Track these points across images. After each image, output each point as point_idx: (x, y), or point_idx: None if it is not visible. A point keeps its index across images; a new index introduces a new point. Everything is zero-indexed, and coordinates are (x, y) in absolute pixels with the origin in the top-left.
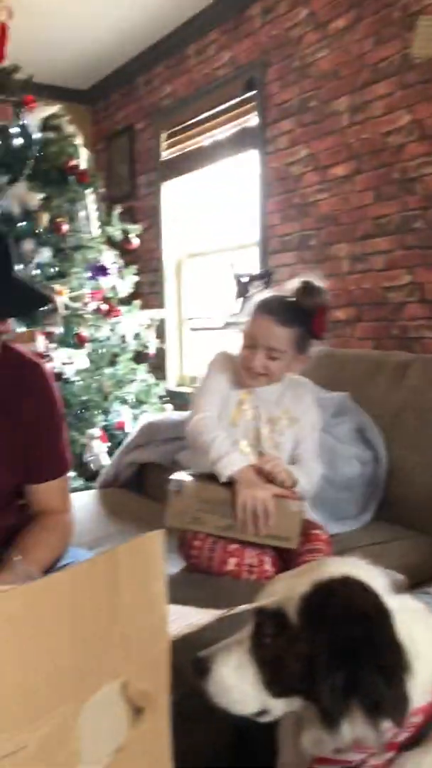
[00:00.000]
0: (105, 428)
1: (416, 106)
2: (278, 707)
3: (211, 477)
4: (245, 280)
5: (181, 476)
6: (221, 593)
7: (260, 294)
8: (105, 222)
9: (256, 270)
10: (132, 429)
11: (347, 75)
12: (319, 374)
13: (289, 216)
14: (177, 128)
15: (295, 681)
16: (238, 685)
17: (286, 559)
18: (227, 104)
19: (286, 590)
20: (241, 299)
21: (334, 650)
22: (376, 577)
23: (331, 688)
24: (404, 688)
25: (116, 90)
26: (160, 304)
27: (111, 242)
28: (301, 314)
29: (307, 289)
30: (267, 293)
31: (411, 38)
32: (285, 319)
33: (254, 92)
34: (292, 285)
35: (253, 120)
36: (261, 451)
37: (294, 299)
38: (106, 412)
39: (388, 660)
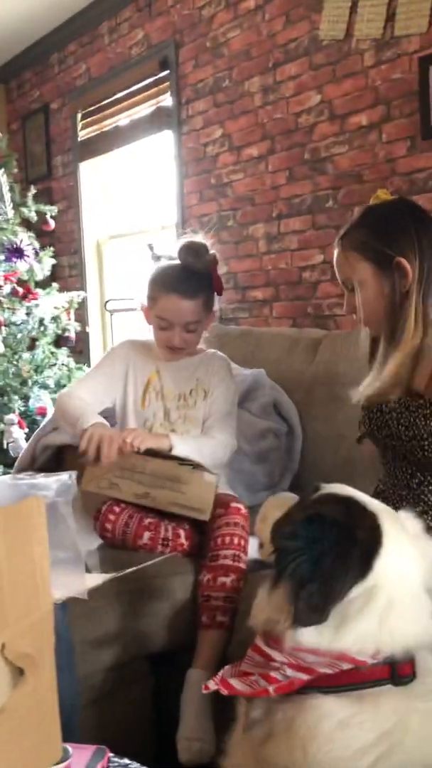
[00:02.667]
0: (25, 414)
1: (325, 87)
2: (268, 550)
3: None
4: (164, 260)
5: None
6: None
7: (154, 269)
8: (20, 203)
9: (175, 251)
10: None
11: (258, 55)
12: (236, 352)
13: (206, 196)
14: (93, 108)
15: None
16: (269, 515)
17: (202, 533)
18: (142, 83)
19: (336, 486)
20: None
21: (307, 528)
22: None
23: (282, 549)
24: (327, 600)
25: (30, 68)
26: (81, 287)
27: (27, 224)
28: (199, 279)
29: (192, 250)
30: (159, 267)
31: (318, 20)
32: (190, 291)
33: (168, 72)
34: (176, 250)
35: (168, 100)
36: (174, 429)
37: (187, 265)
38: (26, 397)
39: (330, 565)
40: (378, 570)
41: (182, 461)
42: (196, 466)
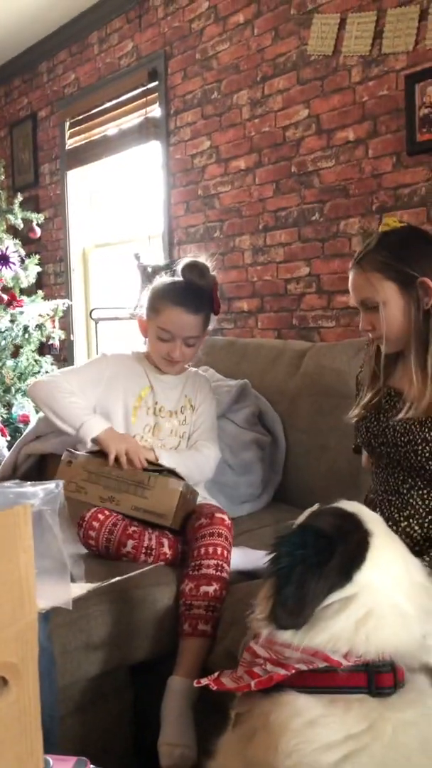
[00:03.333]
0: (8, 421)
1: (313, 102)
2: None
3: (102, 453)
4: (150, 270)
5: (76, 451)
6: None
7: (158, 282)
8: (6, 210)
9: (162, 261)
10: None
11: (247, 69)
12: (221, 363)
13: (193, 207)
14: (81, 116)
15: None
16: None
17: (185, 542)
18: (131, 94)
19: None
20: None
21: (297, 535)
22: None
23: (271, 553)
24: (304, 604)
25: (18, 76)
26: (67, 295)
27: (14, 231)
28: (203, 296)
29: (197, 269)
30: (163, 281)
31: (307, 35)
32: (194, 307)
33: (157, 83)
34: (181, 267)
35: (156, 111)
36: (163, 443)
37: (192, 282)
38: (8, 405)
39: (312, 571)
40: (358, 581)
41: (150, 468)
42: (163, 471)
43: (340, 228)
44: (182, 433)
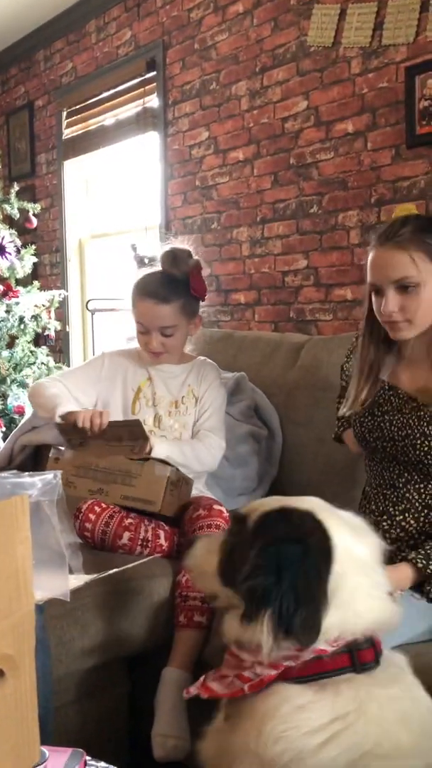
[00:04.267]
0: (3, 412)
1: (312, 93)
2: (223, 596)
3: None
4: (147, 261)
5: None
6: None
7: (137, 275)
8: (3, 200)
9: (158, 252)
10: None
11: (246, 59)
12: (218, 356)
13: (190, 198)
14: (78, 106)
15: (236, 576)
16: (202, 565)
17: (182, 534)
18: (129, 84)
19: (258, 505)
20: None
21: (267, 560)
22: (347, 529)
23: (252, 589)
24: (317, 617)
25: (15, 64)
26: (63, 286)
27: (10, 221)
28: (176, 284)
29: (171, 257)
30: (141, 273)
31: (307, 26)
32: (164, 296)
33: (155, 73)
34: (159, 256)
35: (154, 101)
36: (165, 434)
37: (165, 271)
38: (3, 396)
39: (307, 587)
40: (337, 568)
41: (137, 458)
42: (149, 459)
43: (339, 220)
44: (184, 423)
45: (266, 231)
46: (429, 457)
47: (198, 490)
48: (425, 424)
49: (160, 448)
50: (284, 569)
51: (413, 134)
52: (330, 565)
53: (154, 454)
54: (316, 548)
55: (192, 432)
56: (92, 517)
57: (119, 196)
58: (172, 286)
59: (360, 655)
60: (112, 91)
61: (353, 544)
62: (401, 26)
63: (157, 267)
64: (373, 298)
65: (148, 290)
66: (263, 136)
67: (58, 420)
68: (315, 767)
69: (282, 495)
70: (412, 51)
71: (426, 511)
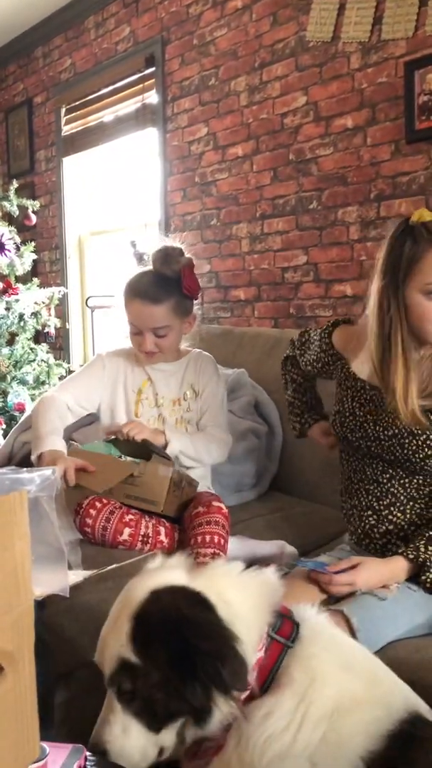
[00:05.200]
0: (3, 410)
1: (311, 89)
2: (168, 738)
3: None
4: (147, 258)
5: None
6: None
7: (128, 274)
8: (2, 197)
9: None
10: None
11: (245, 55)
12: (217, 352)
13: (190, 195)
14: (77, 102)
15: (166, 707)
16: (134, 746)
17: (182, 530)
18: (128, 80)
19: (114, 639)
20: None
21: (174, 665)
22: (172, 569)
23: (193, 693)
24: (238, 658)
25: (14, 61)
26: (62, 283)
27: (9, 218)
28: (167, 284)
29: (162, 256)
30: (133, 273)
31: (306, 21)
32: (154, 297)
33: (154, 69)
34: (151, 256)
35: (153, 97)
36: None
37: (156, 271)
38: (4, 393)
39: (215, 645)
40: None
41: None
42: (152, 456)
43: (338, 216)
44: (188, 420)
45: (266, 227)
46: (417, 455)
47: (205, 486)
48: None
49: (175, 444)
50: (193, 655)
51: (413, 129)
52: (207, 609)
53: (169, 449)
54: (188, 616)
55: (197, 428)
56: (93, 512)
57: (118, 193)
58: (163, 285)
59: (282, 633)
60: (111, 88)
61: (204, 580)
62: (400, 21)
63: (149, 266)
64: (424, 301)
65: (139, 291)
66: (262, 131)
67: (33, 459)
68: (300, 755)
69: (281, 491)
70: (411, 46)
71: (411, 503)
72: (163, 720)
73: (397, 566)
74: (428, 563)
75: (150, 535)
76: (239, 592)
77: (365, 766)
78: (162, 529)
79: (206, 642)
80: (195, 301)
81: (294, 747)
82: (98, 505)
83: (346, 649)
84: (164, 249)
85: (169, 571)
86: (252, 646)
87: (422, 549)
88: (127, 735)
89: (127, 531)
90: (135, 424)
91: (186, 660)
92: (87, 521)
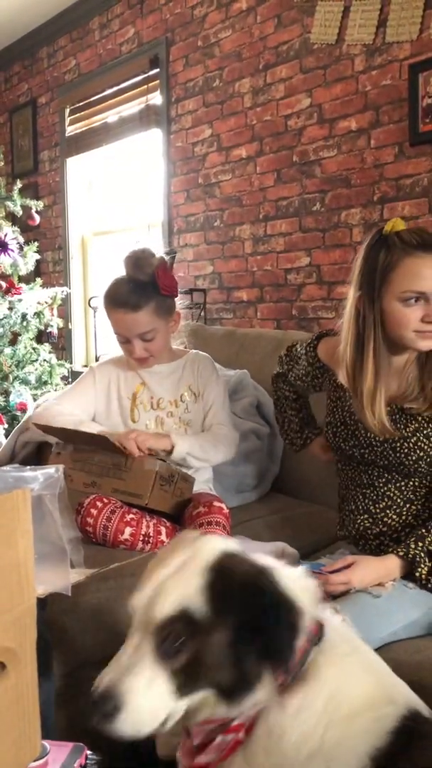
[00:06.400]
0: (5, 409)
1: (315, 91)
2: (181, 709)
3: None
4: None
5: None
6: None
7: (105, 285)
8: (5, 197)
9: (161, 250)
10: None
11: (249, 57)
12: (220, 353)
13: (193, 196)
14: (81, 103)
15: (211, 672)
16: (152, 705)
17: (183, 530)
18: (132, 81)
19: (177, 588)
20: None
21: (243, 628)
22: (239, 544)
23: (247, 663)
24: (299, 639)
25: (18, 61)
26: (65, 283)
27: (12, 218)
28: (143, 289)
29: (133, 261)
30: (109, 283)
31: (310, 23)
32: (133, 304)
33: (158, 70)
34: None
35: (157, 98)
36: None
37: (129, 276)
38: (6, 393)
39: (292, 620)
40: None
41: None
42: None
43: (341, 218)
44: (187, 421)
45: (269, 228)
46: (410, 458)
47: (208, 488)
48: (402, 427)
49: (181, 446)
50: (270, 622)
51: (416, 132)
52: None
53: (176, 452)
54: (270, 583)
55: (201, 429)
56: (94, 512)
57: (122, 194)
58: (140, 290)
59: (314, 631)
60: (115, 89)
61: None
62: (405, 23)
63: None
64: (401, 308)
65: (118, 300)
66: (266, 133)
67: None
68: (323, 755)
69: (283, 493)
70: (415, 48)
71: (408, 505)
72: (199, 685)
73: (392, 564)
74: (418, 559)
75: (151, 534)
76: (292, 581)
77: (372, 764)
78: (163, 529)
79: (286, 615)
80: (177, 298)
81: (322, 747)
82: (99, 504)
83: (364, 650)
84: (133, 254)
85: (228, 540)
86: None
87: (412, 546)
88: (150, 691)
89: (128, 530)
90: (137, 432)
91: (255, 627)
92: (88, 521)
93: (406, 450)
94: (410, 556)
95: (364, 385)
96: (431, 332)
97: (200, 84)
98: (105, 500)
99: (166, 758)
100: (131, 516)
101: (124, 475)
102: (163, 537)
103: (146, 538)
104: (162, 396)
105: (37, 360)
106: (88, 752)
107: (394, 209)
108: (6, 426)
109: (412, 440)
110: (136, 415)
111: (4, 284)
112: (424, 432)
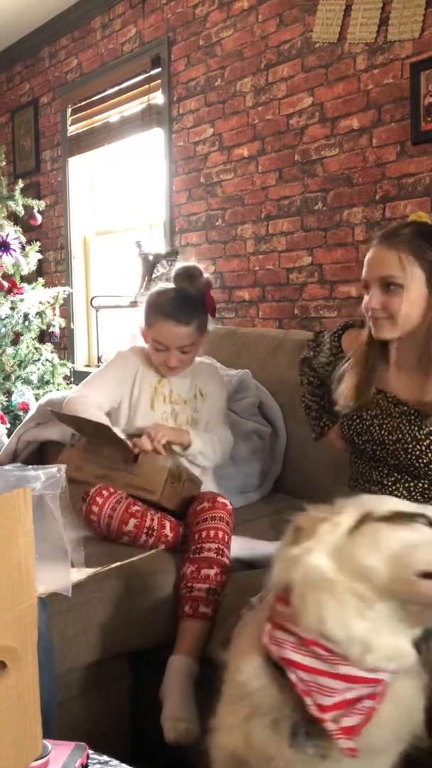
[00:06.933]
0: (7, 409)
1: (317, 90)
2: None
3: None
4: (151, 259)
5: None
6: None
7: (151, 292)
8: (7, 197)
9: (163, 249)
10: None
11: (251, 56)
12: (222, 352)
13: (195, 195)
14: (83, 103)
15: None
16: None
17: (186, 525)
18: (133, 80)
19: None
20: (147, 278)
21: None
22: None
23: None
24: None
25: (20, 61)
26: (67, 282)
27: (14, 217)
28: (194, 304)
29: (187, 275)
30: (156, 291)
31: (312, 22)
32: (184, 318)
33: (160, 69)
34: (173, 275)
35: (159, 97)
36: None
37: (181, 290)
38: (8, 392)
39: None
40: None
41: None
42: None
43: (343, 217)
44: (195, 420)
45: (271, 228)
46: (420, 460)
47: (213, 486)
48: (416, 428)
49: (197, 443)
50: None
51: (418, 131)
52: None
53: (191, 449)
54: None
55: (204, 429)
56: (99, 501)
57: (124, 193)
58: (190, 306)
59: None
60: (116, 88)
61: None
62: (407, 22)
63: (169, 284)
64: (364, 295)
65: (168, 311)
66: (268, 132)
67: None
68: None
69: (285, 493)
70: (417, 47)
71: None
72: None
73: None
74: None
75: (155, 528)
76: None
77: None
78: (167, 524)
79: None
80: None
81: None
82: (105, 493)
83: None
84: (186, 268)
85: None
86: None
87: None
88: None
89: (132, 522)
90: (158, 426)
91: None
92: (93, 509)
93: (417, 452)
94: None
95: None
96: (373, 320)
97: (202, 83)
98: (111, 490)
99: (174, 744)
100: (136, 508)
101: (137, 471)
102: (167, 531)
103: (150, 531)
104: (180, 392)
105: (39, 360)
106: (90, 751)
107: (396, 208)
108: (8, 426)
109: (425, 443)
110: (156, 404)
111: (6, 284)
112: None
